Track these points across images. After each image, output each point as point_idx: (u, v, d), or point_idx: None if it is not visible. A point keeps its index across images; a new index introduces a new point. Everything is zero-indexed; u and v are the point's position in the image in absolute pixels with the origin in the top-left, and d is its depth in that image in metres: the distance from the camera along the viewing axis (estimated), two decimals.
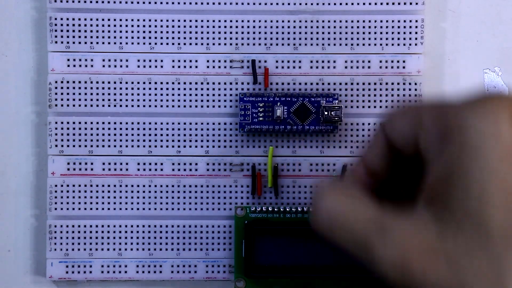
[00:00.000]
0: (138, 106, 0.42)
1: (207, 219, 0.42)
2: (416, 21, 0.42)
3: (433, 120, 0.29)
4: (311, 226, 0.32)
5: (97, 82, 0.42)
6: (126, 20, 0.42)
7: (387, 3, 0.42)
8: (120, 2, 0.42)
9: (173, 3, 0.42)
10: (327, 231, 0.31)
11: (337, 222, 0.30)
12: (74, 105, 0.42)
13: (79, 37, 0.42)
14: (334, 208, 0.31)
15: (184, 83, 0.42)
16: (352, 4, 0.42)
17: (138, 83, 0.42)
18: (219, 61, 0.42)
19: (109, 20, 0.42)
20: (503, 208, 0.26)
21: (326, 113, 0.41)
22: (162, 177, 0.42)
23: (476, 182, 0.27)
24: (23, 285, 0.42)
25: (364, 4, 0.42)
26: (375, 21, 0.42)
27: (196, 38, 0.42)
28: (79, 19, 0.42)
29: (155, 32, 0.42)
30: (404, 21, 0.42)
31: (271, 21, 0.42)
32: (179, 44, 0.42)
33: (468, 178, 0.27)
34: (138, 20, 0.42)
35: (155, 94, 0.42)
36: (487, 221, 0.26)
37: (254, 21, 0.42)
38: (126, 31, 0.42)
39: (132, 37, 0.42)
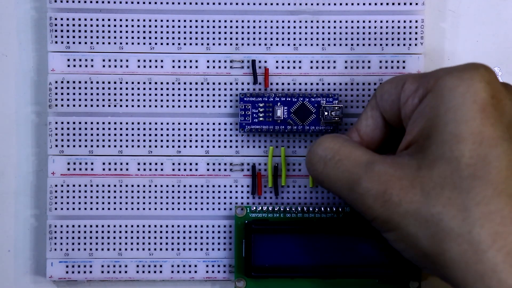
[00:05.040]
0: (138, 106, 0.42)
1: (207, 219, 0.42)
2: (416, 21, 0.42)
3: (414, 83, 0.34)
4: (306, 165, 0.37)
5: (97, 82, 0.42)
6: (126, 20, 0.42)
7: (387, 4, 0.42)
8: (120, 2, 0.42)
9: (173, 3, 0.42)
10: (320, 166, 0.35)
11: (332, 158, 0.35)
12: (74, 105, 0.42)
13: (79, 37, 0.42)
14: (330, 146, 0.35)
15: (184, 83, 0.42)
16: (352, 4, 0.42)
17: (138, 83, 0.42)
18: (219, 61, 0.42)
19: (109, 20, 0.42)
20: (474, 150, 0.31)
21: (326, 113, 0.41)
22: (162, 177, 0.42)
23: (452, 132, 0.31)
24: (23, 285, 0.42)
25: (364, 4, 0.42)
26: (375, 21, 0.42)
27: (196, 38, 0.42)
28: (79, 19, 0.41)
29: (155, 32, 0.42)
30: (404, 21, 0.42)
31: (271, 21, 0.42)
32: (179, 44, 0.42)
33: (446, 129, 0.31)
34: (138, 20, 0.42)
35: (155, 94, 0.42)
36: (459, 159, 0.31)
37: (254, 21, 0.42)
38: (126, 31, 0.42)
39: (132, 37, 0.42)
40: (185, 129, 0.42)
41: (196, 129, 0.42)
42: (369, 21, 0.42)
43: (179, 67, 0.42)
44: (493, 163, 0.31)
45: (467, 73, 0.32)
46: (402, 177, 0.32)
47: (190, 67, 0.42)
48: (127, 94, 0.42)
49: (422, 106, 0.33)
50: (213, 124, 0.42)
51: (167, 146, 0.42)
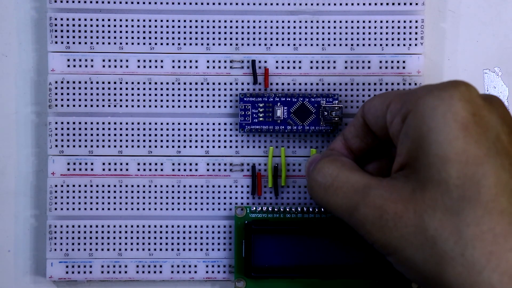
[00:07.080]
0: (138, 106, 0.42)
1: (207, 219, 0.42)
2: (416, 21, 0.42)
3: (398, 103, 0.34)
4: (308, 191, 0.37)
5: (97, 82, 0.42)
6: (126, 20, 0.42)
7: (387, 4, 0.42)
8: (120, 2, 0.42)
9: (173, 3, 0.42)
10: (320, 193, 0.36)
11: (331, 185, 0.35)
12: (74, 105, 0.42)
13: (79, 37, 0.42)
14: (329, 172, 0.36)
15: (184, 83, 0.42)
16: (352, 4, 0.42)
17: (138, 83, 0.42)
18: (219, 61, 0.42)
19: (109, 20, 0.42)
20: (460, 170, 0.31)
21: (326, 113, 0.41)
22: (162, 177, 0.42)
23: (436, 153, 0.31)
24: (23, 285, 0.42)
25: (364, 4, 0.42)
26: (375, 21, 0.42)
27: (196, 38, 0.42)
28: (79, 19, 0.41)
29: (155, 32, 0.42)
30: (404, 21, 0.42)
31: (271, 21, 0.42)
32: (179, 44, 0.42)
33: (430, 150, 0.31)
34: (138, 20, 0.42)
35: (155, 94, 0.42)
36: (447, 180, 0.31)
37: (254, 21, 0.42)
38: (126, 31, 0.42)
39: (132, 37, 0.42)
40: (185, 129, 0.42)
41: (196, 129, 0.42)
42: (369, 21, 0.42)
43: (179, 67, 0.42)
44: (481, 181, 0.31)
45: (447, 92, 0.32)
46: (397, 201, 0.33)
47: (190, 67, 0.42)
48: (127, 94, 0.42)
49: (406, 127, 0.33)
50: (213, 124, 0.42)
51: (167, 146, 0.42)
